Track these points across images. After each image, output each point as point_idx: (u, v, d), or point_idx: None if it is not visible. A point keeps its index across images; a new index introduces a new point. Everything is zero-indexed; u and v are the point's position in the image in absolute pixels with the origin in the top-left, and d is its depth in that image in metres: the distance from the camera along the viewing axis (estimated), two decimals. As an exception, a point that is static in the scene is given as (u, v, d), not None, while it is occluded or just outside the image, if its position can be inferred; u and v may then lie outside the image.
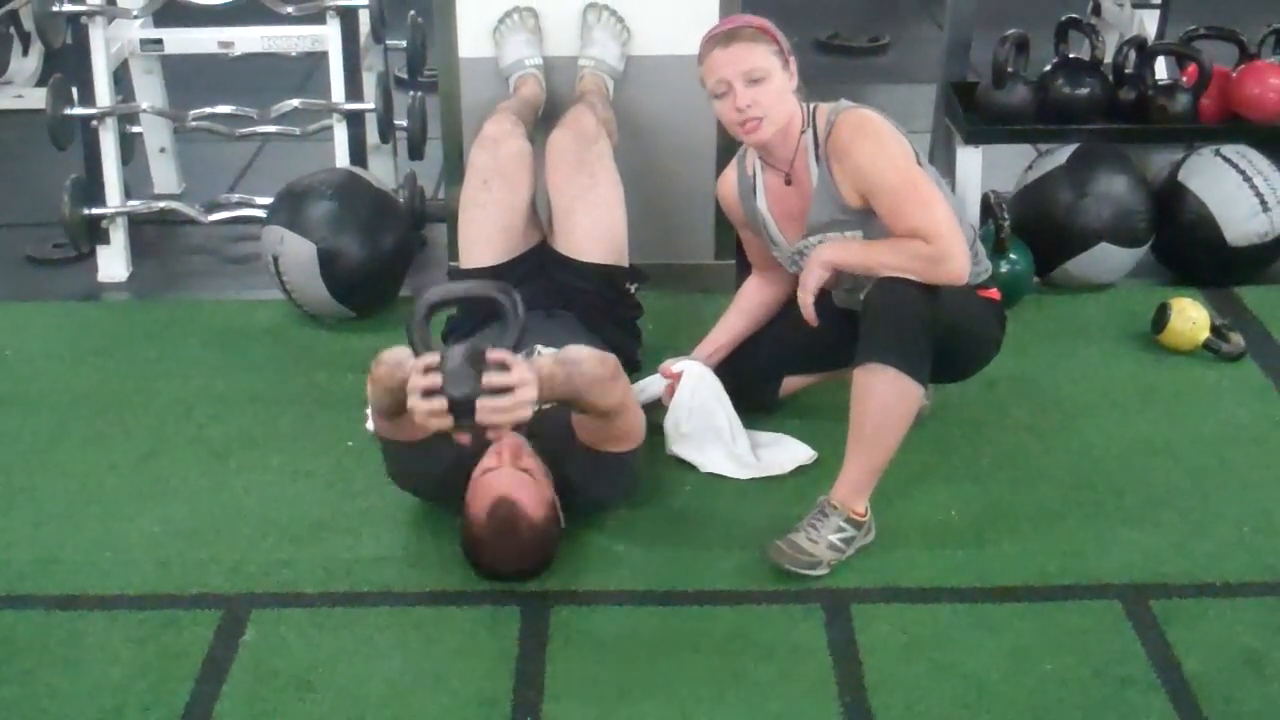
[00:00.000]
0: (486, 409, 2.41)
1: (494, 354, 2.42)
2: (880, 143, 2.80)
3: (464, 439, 2.48)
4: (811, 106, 2.90)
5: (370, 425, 3.17)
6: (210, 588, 2.74)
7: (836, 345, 2.86)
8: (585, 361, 2.58)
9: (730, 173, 3.11)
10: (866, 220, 2.83)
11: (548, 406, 2.82)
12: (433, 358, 2.41)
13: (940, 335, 2.71)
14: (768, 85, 2.79)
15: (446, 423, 2.42)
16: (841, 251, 2.84)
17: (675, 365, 3.17)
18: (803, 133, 2.88)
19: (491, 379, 2.40)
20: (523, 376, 2.44)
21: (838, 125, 2.83)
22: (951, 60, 4.12)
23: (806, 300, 2.83)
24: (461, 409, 2.40)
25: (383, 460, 2.88)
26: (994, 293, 3.01)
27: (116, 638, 2.61)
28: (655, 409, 3.16)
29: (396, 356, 2.57)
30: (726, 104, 2.82)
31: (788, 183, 2.95)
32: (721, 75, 2.80)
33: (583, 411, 2.65)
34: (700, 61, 2.86)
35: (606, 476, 2.82)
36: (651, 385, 3.21)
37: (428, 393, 2.40)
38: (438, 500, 2.88)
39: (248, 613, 2.67)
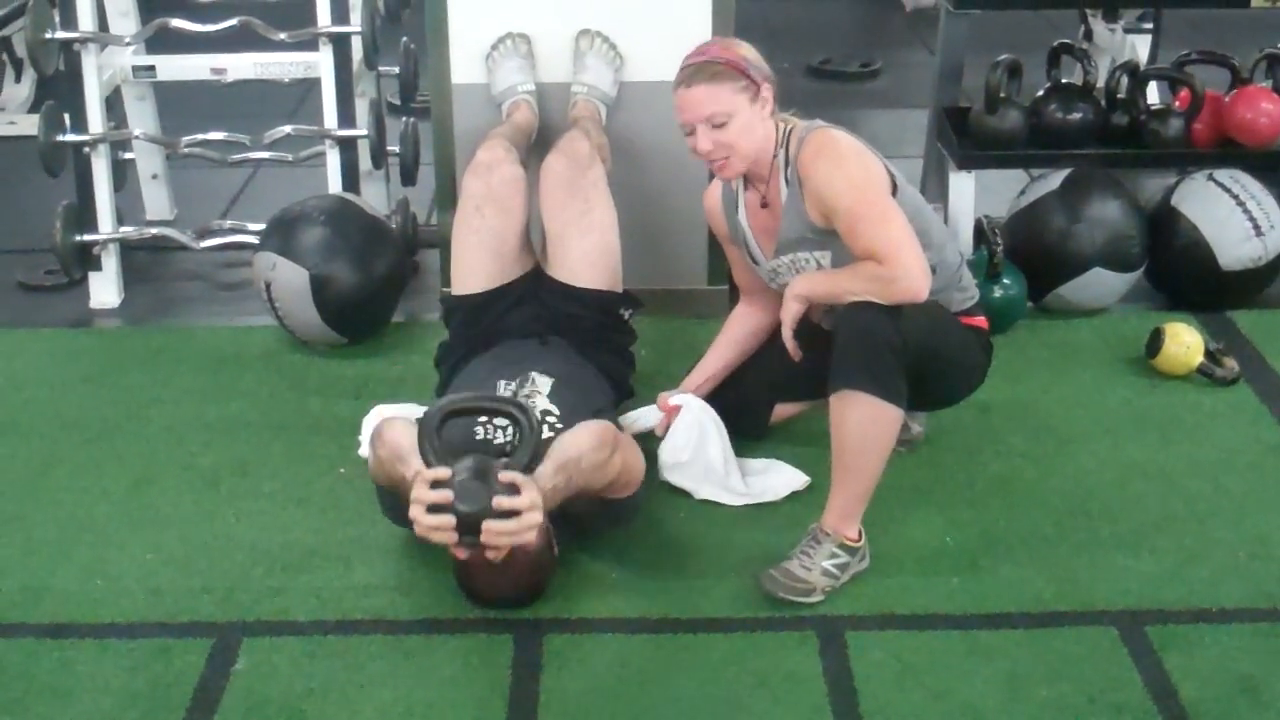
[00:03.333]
0: (492, 531, 2.40)
1: (505, 475, 2.41)
2: (838, 164, 2.81)
3: (462, 554, 2.48)
4: (788, 127, 2.92)
5: (363, 451, 3.17)
6: (202, 616, 2.73)
7: (826, 371, 2.84)
8: (584, 455, 2.61)
9: (715, 186, 3.13)
10: (834, 240, 2.84)
11: (549, 435, 2.83)
12: (442, 472, 2.39)
13: (915, 359, 2.70)
14: (730, 126, 2.83)
15: (449, 539, 2.42)
16: (809, 284, 2.87)
17: (673, 398, 3.17)
18: (775, 155, 2.90)
19: (501, 502, 2.39)
20: (532, 500, 2.43)
21: (804, 146, 2.85)
22: (943, 85, 4.14)
23: (787, 335, 2.87)
24: (467, 527, 2.39)
25: (376, 497, 2.87)
26: (980, 320, 3.01)
27: (107, 667, 2.59)
28: (649, 439, 3.15)
29: (397, 440, 2.59)
30: (693, 142, 2.87)
31: (763, 205, 2.97)
32: (684, 118, 2.86)
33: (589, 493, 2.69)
34: (673, 93, 2.89)
35: (609, 518, 2.84)
36: (646, 416, 3.21)
37: (433, 507, 2.40)
38: None
39: (239, 641, 2.65)
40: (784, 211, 2.91)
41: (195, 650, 2.63)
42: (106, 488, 3.13)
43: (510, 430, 2.84)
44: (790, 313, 2.86)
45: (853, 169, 2.80)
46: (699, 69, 2.85)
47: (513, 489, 2.42)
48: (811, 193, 2.83)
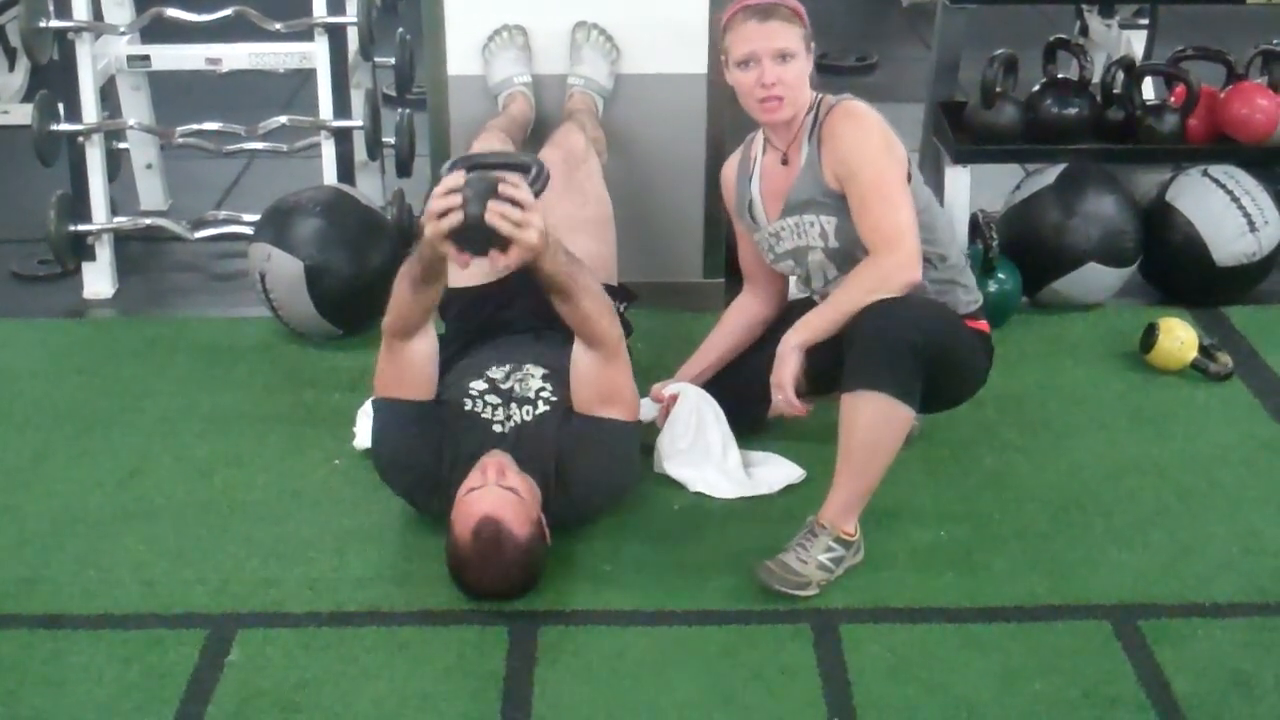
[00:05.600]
0: (497, 210, 2.50)
1: (512, 177, 2.55)
2: (865, 134, 2.83)
3: (466, 259, 2.56)
4: (818, 94, 2.94)
5: (358, 443, 3.17)
6: (195, 607, 2.72)
7: (825, 369, 2.84)
8: (590, 273, 2.75)
9: (734, 158, 3.14)
10: (843, 207, 2.84)
11: (544, 410, 2.83)
12: (457, 175, 2.54)
13: (929, 361, 2.70)
14: (794, 65, 2.83)
15: (456, 219, 2.50)
16: (804, 331, 2.83)
17: (668, 389, 3.17)
18: (806, 115, 2.90)
19: (506, 189, 2.52)
20: (532, 203, 2.53)
21: (834, 109, 2.87)
22: (940, 80, 4.14)
23: (785, 400, 2.82)
24: (475, 200, 2.50)
25: (372, 448, 2.89)
26: (983, 324, 3.01)
27: (101, 657, 2.59)
28: (647, 431, 3.15)
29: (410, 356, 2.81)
30: (750, 76, 2.84)
31: (784, 162, 2.97)
32: (753, 48, 2.82)
33: (575, 323, 2.74)
34: (727, 28, 2.88)
35: (604, 446, 2.82)
36: (642, 410, 3.20)
37: (448, 195, 2.52)
38: (422, 497, 2.87)
39: (233, 632, 2.65)
40: (801, 170, 2.91)
41: (189, 641, 2.63)
42: (100, 478, 3.13)
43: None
44: (789, 370, 2.81)
45: (878, 142, 2.82)
46: (773, 7, 2.84)
47: (517, 188, 2.53)
48: (833, 153, 2.83)
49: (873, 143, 2.82)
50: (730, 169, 3.14)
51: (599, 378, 2.79)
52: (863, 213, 2.77)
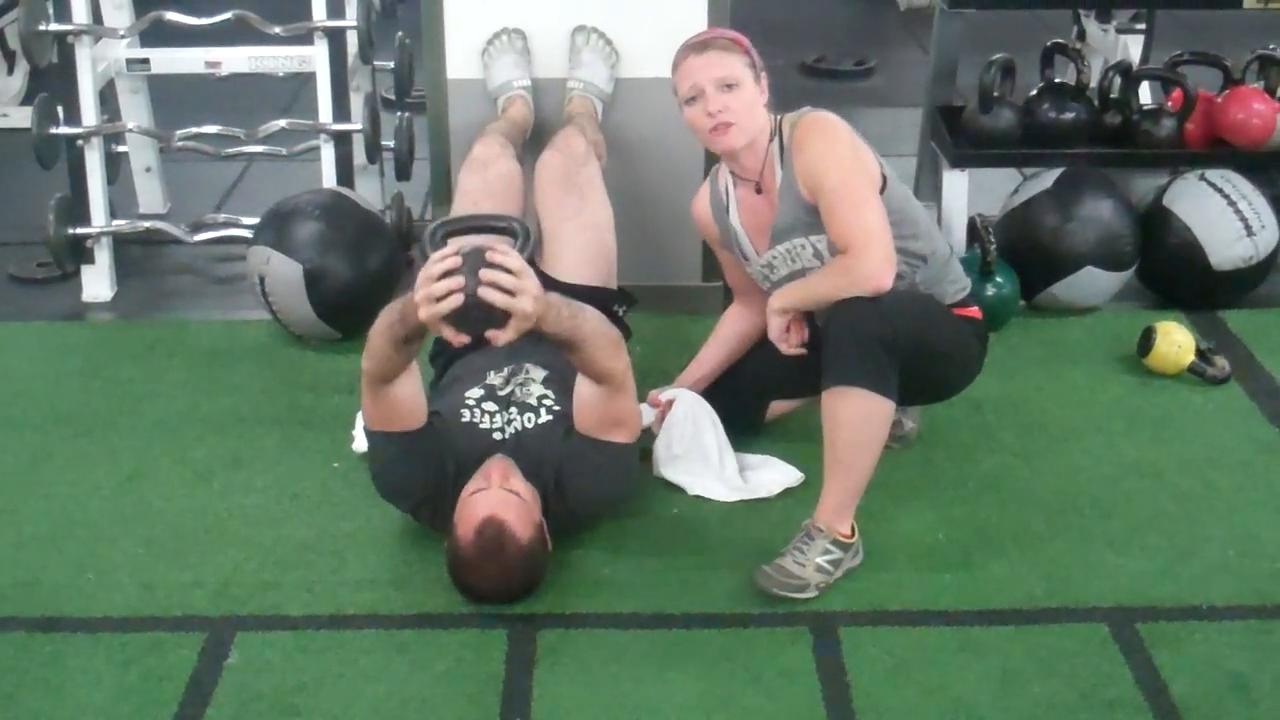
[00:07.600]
0: (489, 279, 2.42)
1: (500, 245, 2.49)
2: (830, 142, 2.83)
3: (461, 338, 2.48)
4: (779, 118, 2.94)
5: (357, 446, 3.17)
6: (194, 610, 2.72)
7: (820, 369, 2.85)
8: (592, 314, 2.64)
9: (703, 192, 3.13)
10: None
11: (547, 419, 2.82)
12: (449, 250, 2.47)
13: (907, 352, 2.71)
14: (739, 93, 2.84)
15: (457, 302, 2.43)
16: (785, 296, 2.90)
17: (664, 394, 3.17)
18: (770, 141, 2.91)
19: (494, 256, 2.45)
20: (524, 268, 2.46)
21: (799, 125, 2.88)
22: (937, 84, 4.15)
23: (783, 347, 2.91)
24: (471, 277, 2.43)
25: (371, 475, 2.87)
26: (974, 311, 3.02)
27: (99, 660, 2.59)
28: (643, 436, 3.16)
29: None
30: (697, 109, 2.86)
31: (758, 191, 2.97)
32: (694, 80, 2.84)
33: (583, 368, 2.67)
34: (674, 70, 2.90)
35: (604, 469, 2.81)
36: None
37: (445, 278, 2.44)
38: (427, 514, 2.85)
39: (232, 635, 2.65)
40: (780, 195, 2.91)
41: (188, 644, 2.63)
42: (98, 481, 3.13)
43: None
44: (775, 326, 2.89)
45: (844, 150, 2.82)
46: (709, 40, 2.88)
47: (506, 256, 2.46)
48: (802, 168, 2.84)
49: (838, 151, 2.82)
50: (703, 207, 3.12)
51: (605, 408, 2.75)
52: (831, 221, 2.78)
